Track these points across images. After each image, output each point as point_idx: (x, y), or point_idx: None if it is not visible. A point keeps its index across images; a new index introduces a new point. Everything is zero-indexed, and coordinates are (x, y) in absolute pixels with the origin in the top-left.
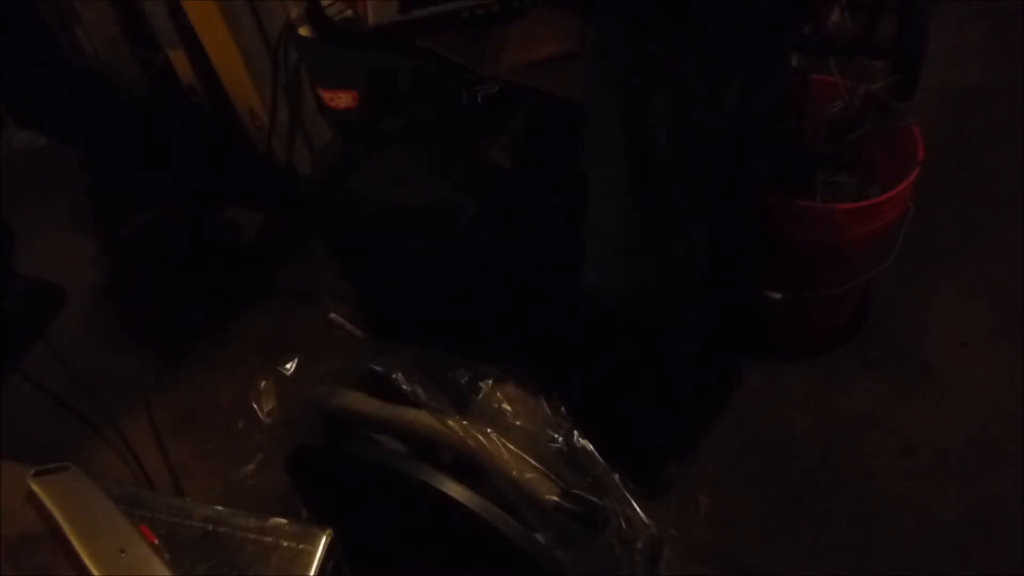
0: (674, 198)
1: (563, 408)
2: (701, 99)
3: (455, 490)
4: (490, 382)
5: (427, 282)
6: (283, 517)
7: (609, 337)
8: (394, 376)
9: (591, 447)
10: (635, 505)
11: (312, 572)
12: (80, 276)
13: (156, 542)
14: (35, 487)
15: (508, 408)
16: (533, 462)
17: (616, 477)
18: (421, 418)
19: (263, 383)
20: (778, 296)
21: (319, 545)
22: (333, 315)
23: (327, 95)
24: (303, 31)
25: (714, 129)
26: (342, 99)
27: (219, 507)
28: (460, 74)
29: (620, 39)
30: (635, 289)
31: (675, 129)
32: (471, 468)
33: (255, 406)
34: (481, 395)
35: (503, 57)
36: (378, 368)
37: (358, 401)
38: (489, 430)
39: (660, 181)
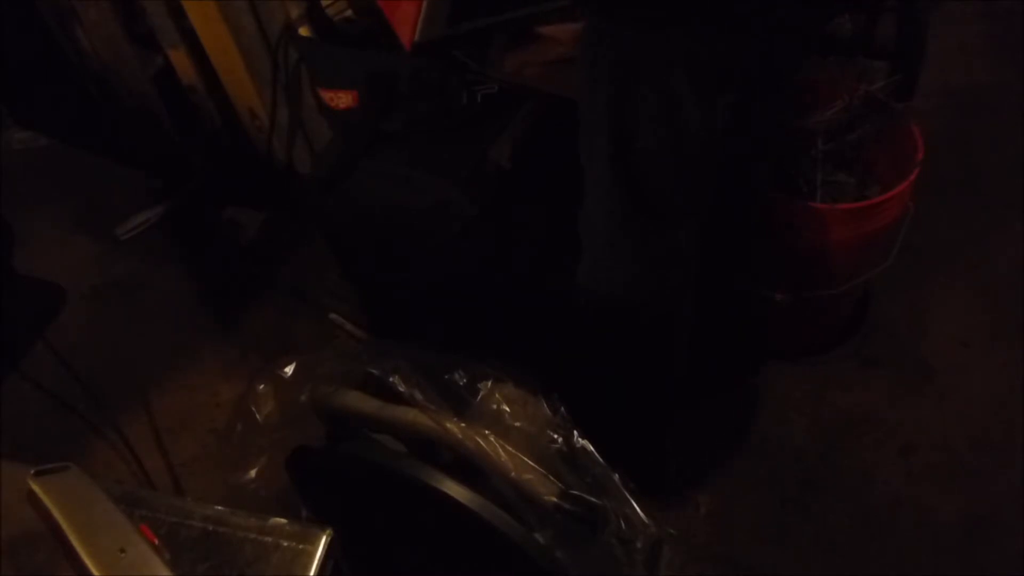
0: (657, 199)
1: (563, 408)
2: (687, 103)
3: (455, 490)
4: (489, 383)
5: (427, 282)
6: (283, 517)
7: (602, 333)
8: (391, 379)
9: (591, 447)
10: (635, 505)
11: (312, 572)
12: (80, 276)
13: (156, 542)
14: (35, 487)
15: (507, 409)
16: (532, 463)
17: (616, 477)
18: (420, 419)
19: (261, 386)
20: (778, 296)
21: (319, 545)
22: (333, 315)
23: (327, 95)
24: (303, 31)
25: (701, 134)
26: (342, 99)
27: (219, 507)
28: (460, 74)
29: (607, 36)
30: (623, 285)
31: (657, 131)
32: (471, 468)
33: (253, 409)
34: (480, 396)
35: (508, 58)
36: (375, 371)
37: (358, 401)
38: (488, 431)
39: (642, 182)
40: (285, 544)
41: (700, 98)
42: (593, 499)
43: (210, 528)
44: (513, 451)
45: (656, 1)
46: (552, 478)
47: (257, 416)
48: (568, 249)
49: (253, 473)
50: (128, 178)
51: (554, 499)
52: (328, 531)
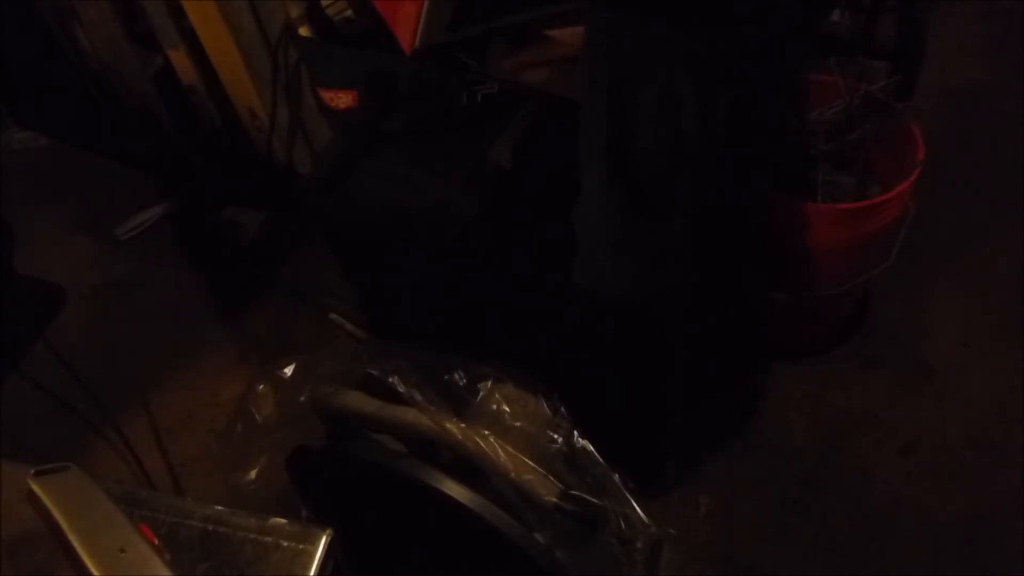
0: (655, 198)
1: (563, 408)
2: (687, 102)
3: (455, 490)
4: (489, 383)
5: (427, 282)
6: (283, 517)
7: (600, 332)
8: (391, 379)
9: (591, 447)
10: (635, 505)
11: (312, 572)
12: (80, 276)
13: (156, 542)
14: (35, 487)
15: (507, 409)
16: (532, 463)
17: (616, 477)
18: (420, 419)
19: (261, 386)
20: (778, 296)
21: (319, 545)
22: (333, 315)
23: (327, 95)
24: (303, 31)
25: (700, 133)
26: (342, 99)
27: (219, 507)
28: (460, 74)
29: (609, 34)
30: (620, 284)
31: (657, 130)
32: (471, 468)
33: (253, 409)
34: (480, 396)
35: (507, 58)
36: (375, 372)
37: (358, 401)
38: (487, 432)
39: (641, 180)
40: (285, 544)
41: (700, 97)
42: (593, 499)
43: (210, 528)
44: (513, 451)
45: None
46: (552, 478)
47: (257, 416)
48: (568, 249)
49: (253, 474)
50: (128, 178)
51: (554, 499)
52: (328, 531)
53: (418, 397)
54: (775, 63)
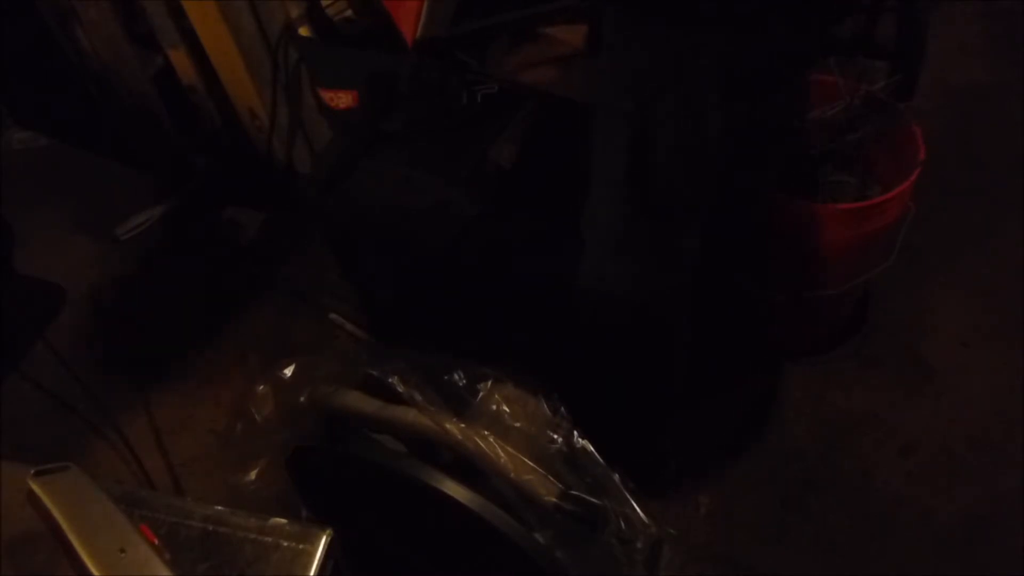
0: (668, 201)
1: (563, 408)
2: (710, 107)
3: (455, 490)
4: (489, 384)
5: (427, 282)
6: (283, 517)
7: (602, 332)
8: (390, 380)
9: (591, 447)
10: (635, 505)
11: (312, 572)
12: (80, 276)
13: (156, 542)
14: (35, 487)
15: (507, 409)
16: (532, 463)
17: (616, 477)
18: (420, 419)
19: (261, 387)
20: (778, 296)
21: (319, 545)
22: (333, 315)
23: (327, 95)
24: (303, 31)
25: (719, 137)
26: (342, 99)
27: (219, 507)
28: (460, 74)
29: (632, 40)
30: (625, 285)
31: (675, 135)
32: (471, 468)
33: (253, 410)
34: (480, 396)
35: (508, 58)
36: (374, 372)
37: (358, 402)
38: (487, 432)
39: (656, 183)
40: (285, 544)
41: (719, 102)
42: (593, 499)
43: (210, 528)
44: (513, 451)
45: (676, 3)
46: (552, 478)
47: (257, 417)
48: (568, 249)
49: (253, 474)
50: (128, 178)
51: (554, 499)
52: (328, 531)
53: (418, 397)
54: (777, 65)
